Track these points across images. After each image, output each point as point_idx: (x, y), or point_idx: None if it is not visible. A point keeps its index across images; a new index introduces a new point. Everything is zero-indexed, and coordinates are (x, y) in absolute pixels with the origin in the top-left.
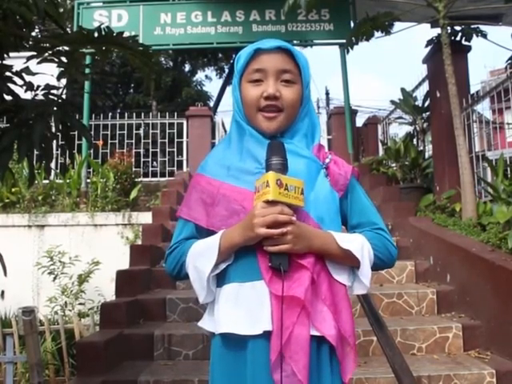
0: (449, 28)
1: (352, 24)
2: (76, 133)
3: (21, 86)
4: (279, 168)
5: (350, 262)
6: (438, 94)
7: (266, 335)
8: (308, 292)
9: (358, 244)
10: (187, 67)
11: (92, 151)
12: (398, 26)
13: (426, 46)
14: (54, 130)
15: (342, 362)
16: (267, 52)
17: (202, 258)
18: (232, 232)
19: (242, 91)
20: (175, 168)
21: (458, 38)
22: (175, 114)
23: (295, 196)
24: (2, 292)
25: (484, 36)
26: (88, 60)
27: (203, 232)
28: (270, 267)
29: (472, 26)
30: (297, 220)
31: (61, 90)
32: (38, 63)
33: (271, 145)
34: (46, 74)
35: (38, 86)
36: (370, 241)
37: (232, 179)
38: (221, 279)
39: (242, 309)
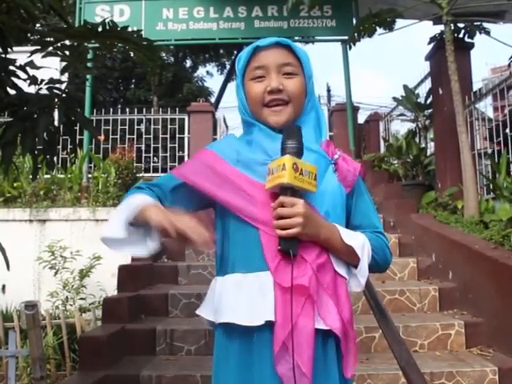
0: (452, 25)
1: (354, 20)
2: (77, 127)
3: (24, 80)
4: (295, 152)
5: (348, 258)
6: (441, 91)
7: (271, 327)
8: (312, 280)
9: (360, 242)
10: (188, 63)
11: (93, 146)
12: (400, 23)
13: (429, 42)
14: (56, 123)
15: (345, 358)
16: (266, 48)
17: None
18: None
19: (245, 90)
20: (176, 164)
21: (460, 35)
22: (176, 109)
23: (309, 181)
24: (3, 286)
25: (487, 33)
26: (90, 55)
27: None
28: (279, 250)
29: (475, 23)
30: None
31: (65, 84)
32: (43, 57)
33: (288, 128)
34: (50, 67)
35: (42, 80)
36: (369, 241)
37: (241, 166)
38: (224, 268)
39: (243, 299)
